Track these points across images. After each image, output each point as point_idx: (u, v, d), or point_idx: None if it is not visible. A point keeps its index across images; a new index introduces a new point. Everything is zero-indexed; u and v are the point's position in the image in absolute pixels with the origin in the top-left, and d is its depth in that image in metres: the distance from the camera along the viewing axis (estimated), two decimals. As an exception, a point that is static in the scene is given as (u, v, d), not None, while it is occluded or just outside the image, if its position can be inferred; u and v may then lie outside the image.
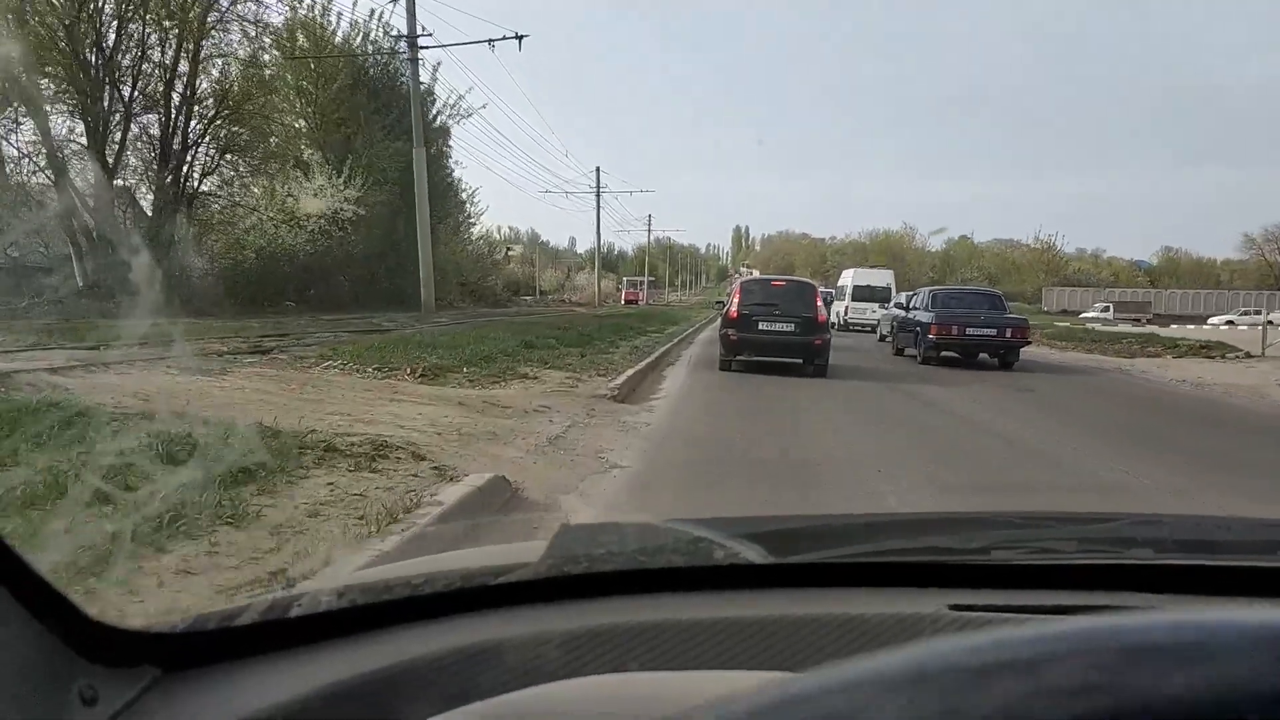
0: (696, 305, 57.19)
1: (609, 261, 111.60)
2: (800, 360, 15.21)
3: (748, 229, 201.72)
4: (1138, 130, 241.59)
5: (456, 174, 62.24)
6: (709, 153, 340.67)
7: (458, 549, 2.52)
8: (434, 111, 44.80)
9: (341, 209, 34.15)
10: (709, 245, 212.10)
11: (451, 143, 62.10)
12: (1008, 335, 17.93)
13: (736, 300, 15.56)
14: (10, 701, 0.72)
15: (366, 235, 35.66)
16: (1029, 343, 19.30)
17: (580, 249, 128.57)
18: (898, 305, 24.47)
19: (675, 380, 14.05)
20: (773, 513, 4.45)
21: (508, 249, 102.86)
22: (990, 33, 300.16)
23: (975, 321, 17.98)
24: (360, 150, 37.36)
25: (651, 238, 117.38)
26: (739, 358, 15.31)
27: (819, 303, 15.52)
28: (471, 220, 53.26)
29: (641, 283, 79.23)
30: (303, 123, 39.64)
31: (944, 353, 18.63)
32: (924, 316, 19.11)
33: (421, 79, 28.63)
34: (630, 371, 13.22)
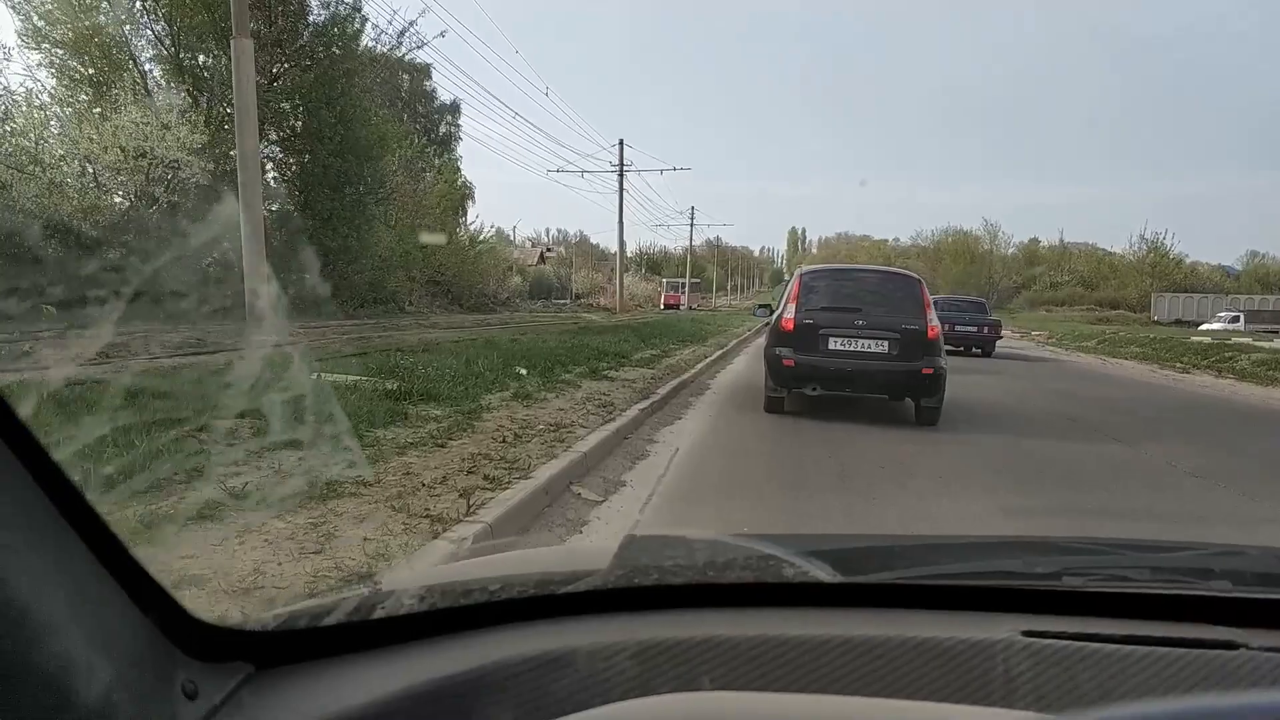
0: (745, 312, 49.73)
1: (653, 262, 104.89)
2: (896, 398, 9.73)
3: (804, 231, 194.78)
4: (1216, 134, 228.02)
5: (457, 155, 55.58)
6: (765, 153, 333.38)
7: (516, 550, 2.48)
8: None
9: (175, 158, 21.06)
10: (763, 248, 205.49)
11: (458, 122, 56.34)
12: (985, 331, 23.80)
13: (794, 301, 9.68)
14: (124, 692, 0.73)
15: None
16: (1000, 336, 25.34)
17: (631, 251, 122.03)
18: None
19: (690, 428, 8.26)
20: None
21: (545, 250, 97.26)
22: (1070, 34, 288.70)
23: (962, 321, 23.20)
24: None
25: (700, 238, 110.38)
26: (799, 391, 9.61)
27: (928, 309, 9.56)
28: (454, 208, 45.04)
29: (683, 285, 71.74)
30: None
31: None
32: None
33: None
34: (552, 471, 5.57)
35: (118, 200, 20.07)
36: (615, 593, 1.12)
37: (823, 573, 1.15)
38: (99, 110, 19.55)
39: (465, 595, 1.07)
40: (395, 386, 7.88)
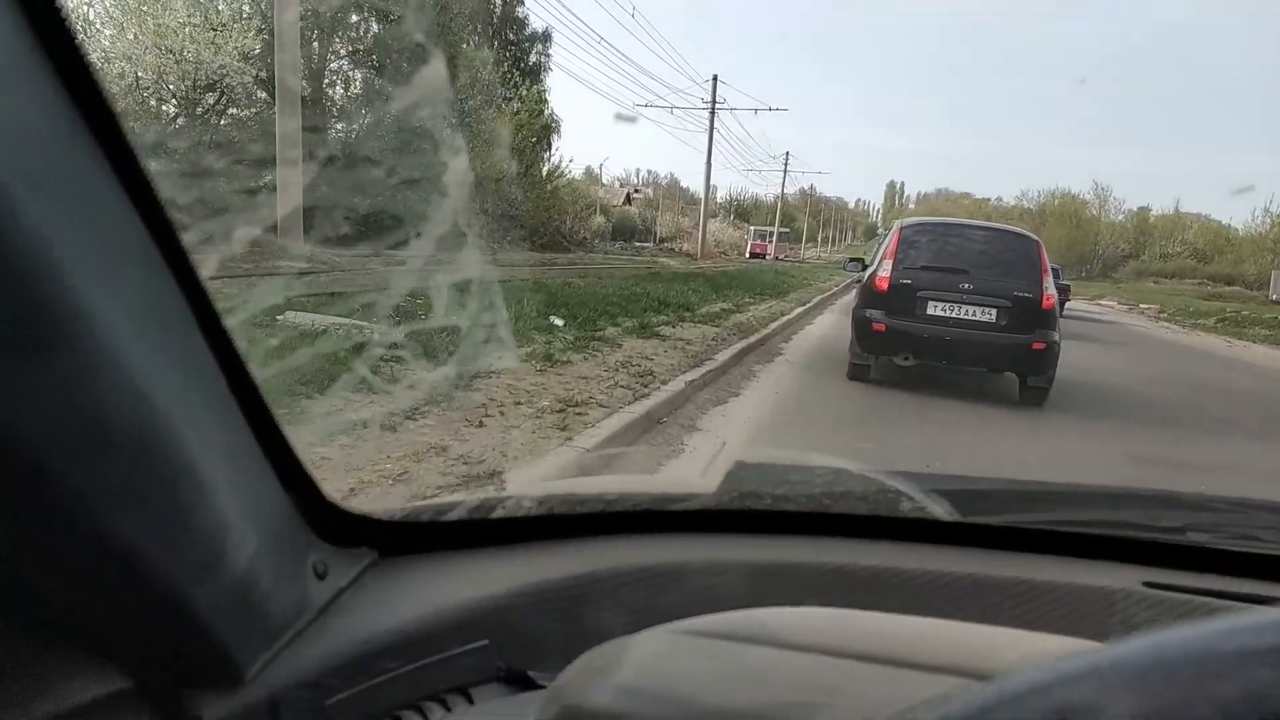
0: (834, 265, 47.07)
1: (742, 209, 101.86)
2: (1000, 371, 8.68)
3: (903, 185, 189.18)
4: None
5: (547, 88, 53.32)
6: (867, 101, 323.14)
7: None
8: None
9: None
10: (858, 200, 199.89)
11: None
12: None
13: (891, 258, 8.55)
14: (265, 562, 0.75)
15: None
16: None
17: (722, 196, 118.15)
18: None
19: (747, 409, 6.68)
20: None
21: (632, 191, 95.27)
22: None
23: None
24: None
25: (793, 186, 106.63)
26: (889, 358, 8.55)
27: (1045, 274, 8.38)
28: (537, 141, 42.52)
29: (771, 234, 68.98)
30: None
31: None
32: None
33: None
34: (535, 476, 3.89)
35: (165, 108, 18.77)
36: (725, 514, 1.11)
37: (940, 510, 1.11)
38: (145, 7, 18.17)
39: (581, 504, 1.09)
40: (375, 338, 6.28)
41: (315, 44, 24.79)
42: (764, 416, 6.59)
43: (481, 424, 4.56)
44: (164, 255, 0.62)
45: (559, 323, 9.14)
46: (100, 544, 0.59)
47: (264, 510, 0.78)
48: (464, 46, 30.86)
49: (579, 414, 5.14)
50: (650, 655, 0.71)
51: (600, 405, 5.48)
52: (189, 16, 18.32)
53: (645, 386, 6.43)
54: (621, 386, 6.22)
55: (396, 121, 24.53)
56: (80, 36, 0.52)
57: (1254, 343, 22.47)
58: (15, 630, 0.65)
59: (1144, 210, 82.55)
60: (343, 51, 24.90)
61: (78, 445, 0.55)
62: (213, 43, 18.46)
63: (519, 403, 5.16)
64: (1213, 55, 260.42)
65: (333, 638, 0.84)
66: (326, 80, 25.52)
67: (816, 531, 1.11)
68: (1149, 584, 1.01)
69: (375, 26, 25.40)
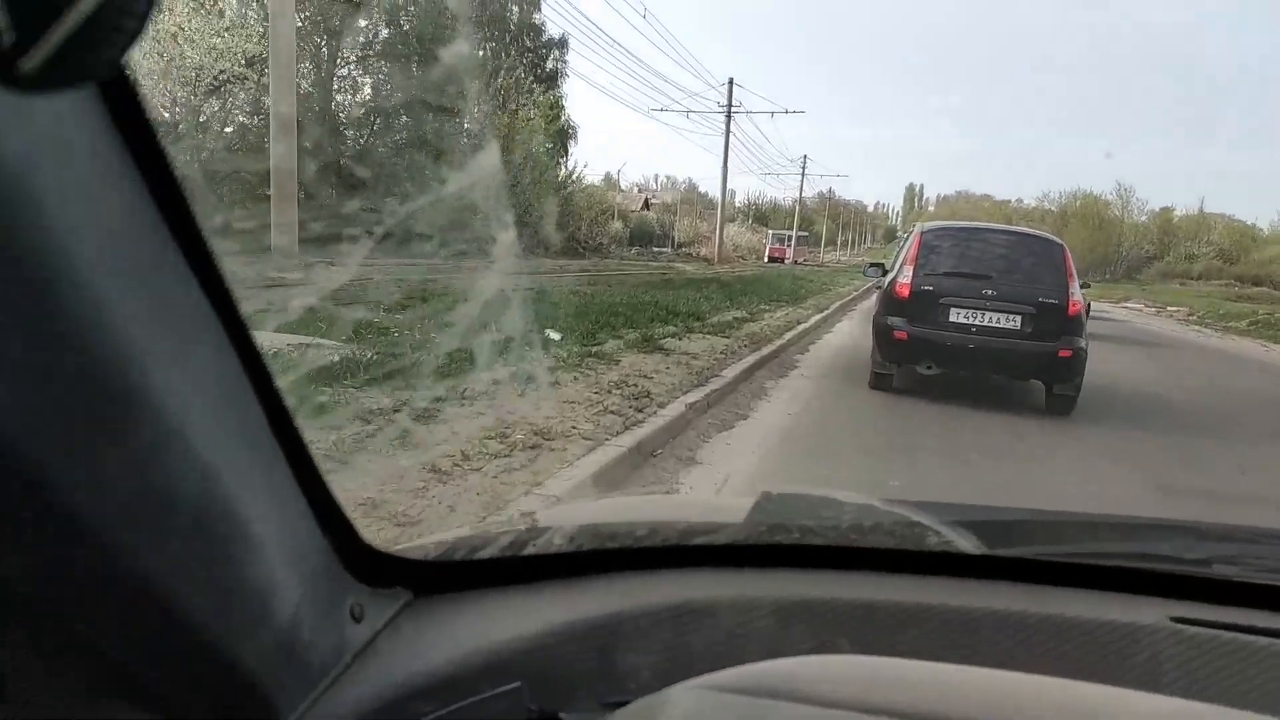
0: (854, 269, 46.28)
1: (760, 213, 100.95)
2: (1026, 379, 8.67)
3: (922, 187, 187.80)
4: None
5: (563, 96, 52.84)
6: (885, 103, 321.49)
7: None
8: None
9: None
10: (878, 203, 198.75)
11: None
12: None
13: (912, 264, 8.35)
14: (305, 608, 0.75)
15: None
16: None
17: (740, 201, 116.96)
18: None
19: (756, 435, 6.11)
20: None
21: (650, 197, 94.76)
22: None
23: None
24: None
25: (811, 190, 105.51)
26: (910, 365, 8.40)
27: (1071, 279, 8.14)
28: (554, 148, 42.24)
29: (789, 238, 68.23)
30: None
31: None
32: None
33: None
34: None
35: (164, 114, 18.37)
36: (755, 548, 1.12)
37: (968, 544, 1.11)
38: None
39: (611, 539, 1.09)
40: (335, 360, 5.68)
41: (324, 50, 24.39)
42: (774, 443, 5.97)
43: (435, 468, 3.95)
44: (220, 316, 0.64)
45: (555, 337, 8.55)
46: (149, 596, 0.60)
47: (305, 555, 0.78)
48: (479, 52, 30.39)
49: (556, 450, 4.53)
50: (680, 716, 0.71)
51: (584, 438, 4.85)
52: (189, 20, 17.88)
53: (640, 411, 5.80)
54: (612, 412, 5.60)
55: (404, 128, 24.12)
56: (165, 143, 0.57)
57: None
58: (59, 676, 0.64)
59: (1167, 211, 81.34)
60: (351, 57, 24.42)
61: (143, 515, 0.57)
62: (213, 48, 18.02)
63: (488, 437, 4.54)
64: (1239, 53, 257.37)
65: (369, 682, 0.85)
66: (336, 86, 25.11)
67: (844, 565, 1.11)
68: (1176, 619, 1.00)
69: (385, 31, 24.93)
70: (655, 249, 62.78)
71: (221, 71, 18.06)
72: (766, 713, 0.69)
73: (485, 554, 1.02)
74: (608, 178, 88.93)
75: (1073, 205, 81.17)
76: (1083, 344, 7.98)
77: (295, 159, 13.64)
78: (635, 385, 6.68)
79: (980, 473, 5.81)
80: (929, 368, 8.26)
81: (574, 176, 44.72)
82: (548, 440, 4.67)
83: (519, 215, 34.77)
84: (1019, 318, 7.93)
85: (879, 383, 8.56)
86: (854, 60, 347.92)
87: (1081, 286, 8.36)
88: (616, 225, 58.73)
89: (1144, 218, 79.14)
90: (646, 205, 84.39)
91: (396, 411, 4.81)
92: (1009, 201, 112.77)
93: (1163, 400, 10.10)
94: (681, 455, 5.39)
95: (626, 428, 5.31)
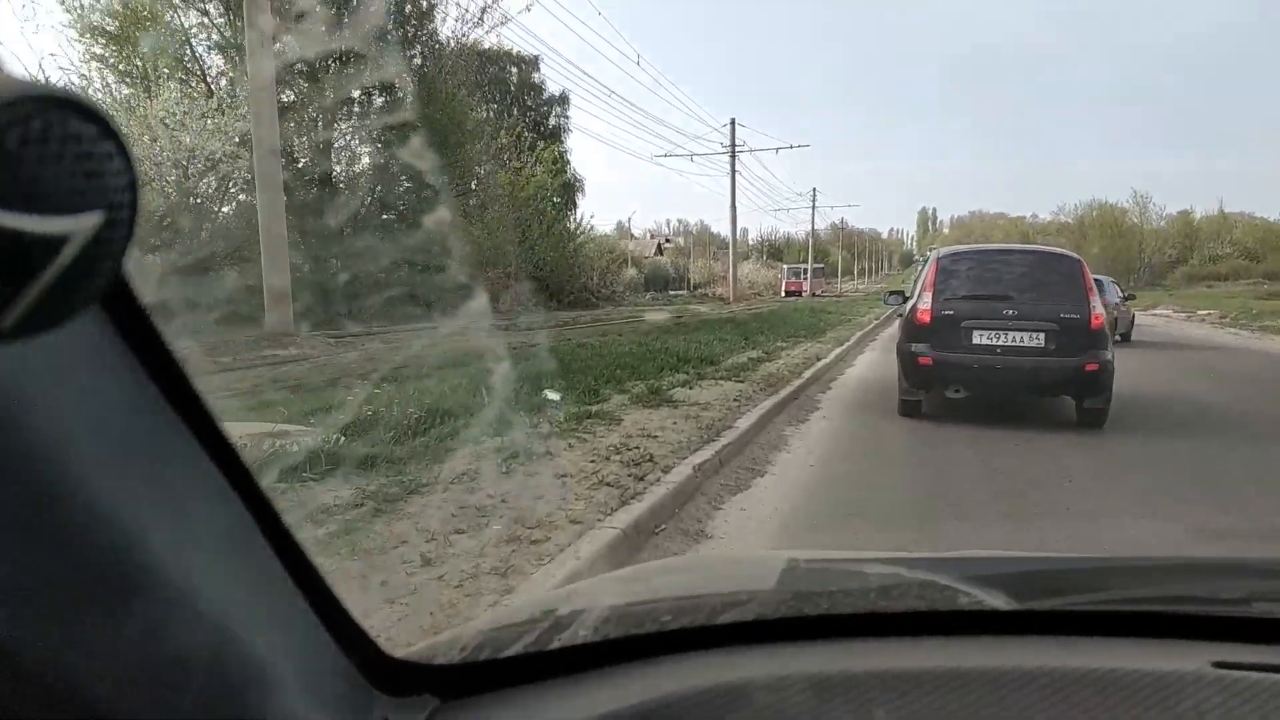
0: (873, 298, 45.60)
1: (774, 248, 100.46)
2: (1055, 395, 8.62)
3: (935, 210, 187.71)
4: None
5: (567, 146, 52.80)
6: (890, 130, 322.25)
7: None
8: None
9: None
10: (891, 230, 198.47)
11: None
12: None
13: (930, 290, 8.44)
14: None
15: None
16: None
17: (753, 238, 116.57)
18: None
19: (773, 499, 5.49)
20: None
21: (663, 241, 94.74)
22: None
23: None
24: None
25: (823, 221, 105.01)
26: (939, 391, 8.47)
27: (1091, 294, 8.25)
28: (561, 201, 42.12)
29: (805, 270, 67.61)
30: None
31: None
32: None
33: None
34: None
35: (157, 201, 18.05)
36: (783, 621, 1.10)
37: (998, 600, 1.09)
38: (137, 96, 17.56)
39: (637, 625, 1.07)
40: (294, 449, 5.09)
41: (319, 123, 24.27)
42: (795, 504, 5.32)
43: (385, 581, 3.32)
44: (215, 457, 0.65)
45: (554, 397, 7.97)
46: None
47: (324, 676, 0.77)
48: (480, 115, 30.27)
49: (538, 541, 3.89)
50: None
51: (572, 521, 4.22)
52: (177, 105, 17.66)
53: (640, 480, 5.17)
54: (607, 484, 4.97)
55: (404, 195, 23.88)
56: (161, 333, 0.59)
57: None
58: None
59: (1186, 214, 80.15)
60: (346, 128, 24.28)
61: (154, 682, 0.57)
62: (205, 129, 17.80)
63: (459, 530, 3.93)
64: (1241, 58, 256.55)
65: None
66: (334, 159, 24.95)
67: (876, 633, 1.07)
68: (1218, 664, 0.94)
69: (380, 100, 24.80)
70: (671, 292, 62.67)
71: (213, 151, 17.83)
72: None
73: (510, 652, 1.00)
74: (619, 226, 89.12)
75: (1090, 216, 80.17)
76: (1109, 356, 8.01)
77: (284, 229, 13.25)
78: (637, 448, 6.05)
79: (1027, 530, 5.13)
80: (956, 391, 8.31)
81: (582, 228, 44.51)
82: (528, 529, 4.04)
83: (529, 271, 34.51)
84: (1042, 335, 7.99)
85: (907, 409, 8.61)
86: (857, 90, 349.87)
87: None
88: (631, 272, 58.55)
89: (1163, 223, 78.01)
90: (660, 250, 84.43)
91: (357, 506, 4.21)
92: (1024, 218, 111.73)
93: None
94: (689, 529, 4.73)
95: (623, 503, 4.67)
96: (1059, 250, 9.64)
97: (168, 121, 17.37)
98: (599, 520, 4.29)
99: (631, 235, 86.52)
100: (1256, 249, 68.68)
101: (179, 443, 0.62)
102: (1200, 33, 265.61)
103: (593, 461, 5.59)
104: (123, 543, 0.54)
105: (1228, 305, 36.60)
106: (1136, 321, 21.49)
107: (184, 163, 17.66)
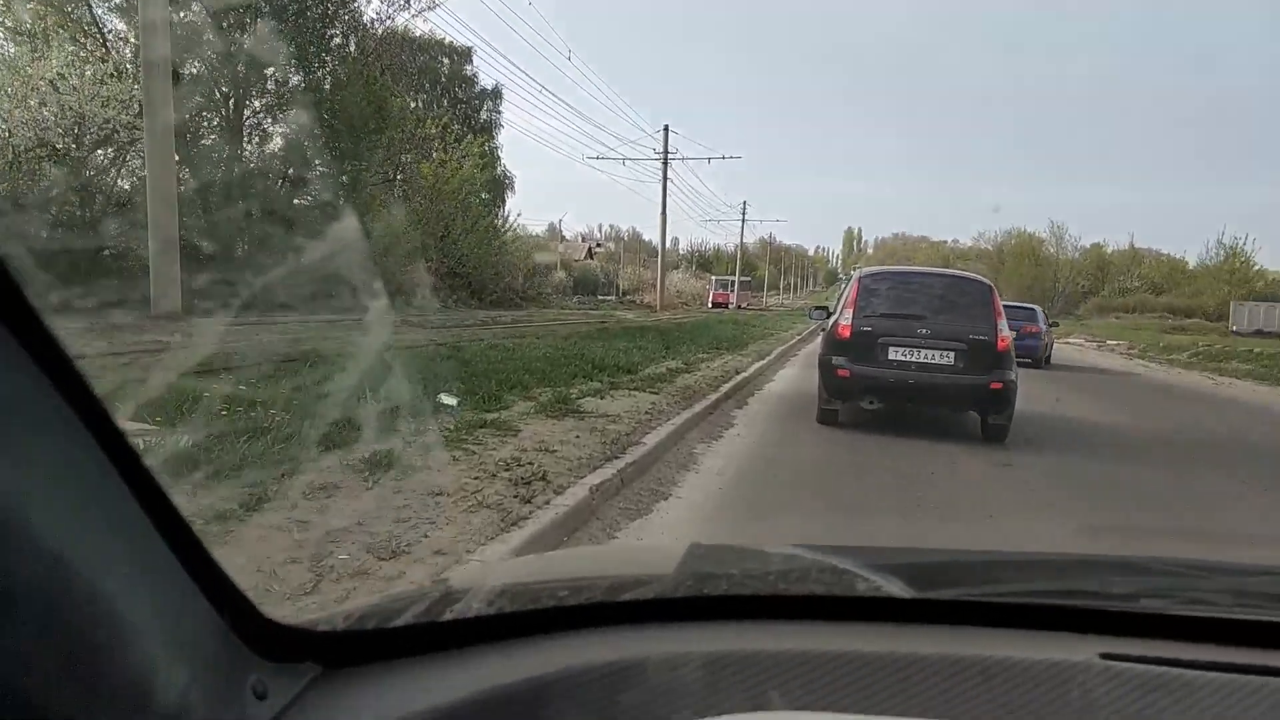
0: (797, 313, 45.87)
1: (704, 259, 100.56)
2: (962, 410, 9.30)
3: (860, 230, 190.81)
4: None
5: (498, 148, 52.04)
6: (820, 148, 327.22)
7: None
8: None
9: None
10: (818, 247, 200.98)
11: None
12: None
13: (852, 307, 8.89)
14: (199, 693, 0.73)
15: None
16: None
17: (683, 248, 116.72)
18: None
19: (677, 521, 5.06)
20: None
21: (594, 245, 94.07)
22: (1132, 31, 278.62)
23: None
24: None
25: (753, 236, 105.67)
26: (855, 402, 8.93)
27: (999, 317, 8.77)
28: (490, 197, 41.27)
29: (732, 283, 67.72)
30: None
31: None
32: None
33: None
34: None
35: (44, 170, 16.71)
36: (683, 601, 1.10)
37: (896, 588, 1.11)
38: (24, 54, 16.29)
39: (534, 600, 1.05)
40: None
41: (231, 100, 23.08)
42: (697, 532, 4.79)
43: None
44: (79, 411, 0.63)
45: (450, 402, 7.32)
46: (22, 699, 0.58)
47: (195, 636, 0.76)
48: (407, 103, 29.27)
49: (390, 578, 3.27)
50: None
51: (436, 552, 3.61)
52: (69, 67, 16.42)
53: (527, 502, 4.58)
54: (487, 507, 4.36)
55: (317, 180, 22.80)
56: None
57: (1237, 378, 21.53)
58: None
59: (1098, 246, 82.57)
60: (259, 106, 23.12)
61: (5, 640, 0.56)
62: (98, 95, 16.60)
63: (294, 559, 3.29)
64: (1157, 92, 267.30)
65: None
66: (245, 136, 23.74)
67: (774, 615, 1.08)
68: (1106, 655, 0.98)
69: (298, 79, 23.70)
70: (600, 297, 62.14)
71: (108, 121, 16.63)
72: None
73: (399, 622, 0.96)
74: (551, 228, 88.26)
75: (1009, 244, 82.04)
76: (1012, 376, 8.53)
77: (175, 214, 12.29)
78: (530, 464, 5.45)
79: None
80: (871, 402, 8.84)
81: (510, 226, 43.61)
82: (380, 560, 3.42)
83: (450, 267, 33.52)
84: (952, 354, 8.51)
85: (825, 417, 9.05)
86: (790, 106, 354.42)
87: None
88: (560, 275, 57.80)
89: (1077, 254, 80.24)
90: (590, 254, 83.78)
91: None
92: (945, 242, 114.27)
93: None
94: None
95: (503, 529, 4.08)
96: (972, 275, 10.20)
97: (58, 85, 16.15)
98: (468, 551, 3.67)
99: (563, 237, 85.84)
100: (1162, 283, 70.76)
101: (45, 402, 0.60)
102: (1123, 65, 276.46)
103: (477, 478, 4.98)
104: None
105: (1135, 337, 37.79)
106: (1053, 348, 22.70)
107: (74, 130, 16.44)
